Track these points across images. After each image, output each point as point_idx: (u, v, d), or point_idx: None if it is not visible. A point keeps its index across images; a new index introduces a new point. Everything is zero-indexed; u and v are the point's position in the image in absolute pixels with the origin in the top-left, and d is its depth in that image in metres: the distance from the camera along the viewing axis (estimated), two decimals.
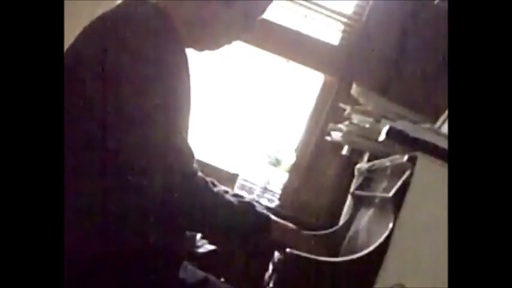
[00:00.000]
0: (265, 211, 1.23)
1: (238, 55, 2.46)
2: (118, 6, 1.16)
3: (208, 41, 1.27)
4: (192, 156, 1.13)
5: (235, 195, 1.24)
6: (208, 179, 1.17)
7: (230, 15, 1.22)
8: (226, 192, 1.22)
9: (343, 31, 2.38)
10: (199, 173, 1.13)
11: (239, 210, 1.17)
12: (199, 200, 1.12)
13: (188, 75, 1.18)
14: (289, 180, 2.39)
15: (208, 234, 1.29)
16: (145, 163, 1.06)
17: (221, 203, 1.16)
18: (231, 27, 1.25)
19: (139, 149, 1.06)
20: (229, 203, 1.17)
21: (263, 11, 1.29)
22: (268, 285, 1.18)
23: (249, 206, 1.20)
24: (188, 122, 1.18)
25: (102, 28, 1.11)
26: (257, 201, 2.28)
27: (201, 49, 1.28)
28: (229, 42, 1.29)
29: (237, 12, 1.23)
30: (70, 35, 1.15)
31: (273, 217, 1.24)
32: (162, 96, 1.08)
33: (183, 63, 1.16)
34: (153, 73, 1.07)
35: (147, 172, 1.06)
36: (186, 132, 1.18)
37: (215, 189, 1.16)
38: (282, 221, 1.27)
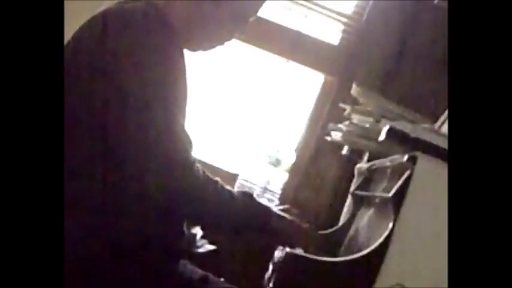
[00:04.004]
0: (266, 204, 1.24)
1: (238, 55, 2.46)
2: (117, 5, 1.17)
3: (200, 40, 1.27)
4: (191, 145, 1.13)
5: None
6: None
7: (219, 15, 1.23)
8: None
9: (343, 31, 2.38)
10: (198, 164, 1.13)
11: (240, 200, 1.18)
12: (199, 188, 1.12)
13: (185, 72, 1.18)
14: (289, 180, 2.39)
15: (207, 223, 1.29)
16: (143, 153, 1.07)
17: (221, 191, 1.16)
18: (221, 27, 1.25)
19: (138, 140, 1.06)
20: (230, 192, 1.17)
21: (255, 11, 1.29)
22: (268, 285, 1.18)
23: (250, 198, 1.21)
24: (185, 116, 1.19)
25: (101, 25, 1.12)
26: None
27: (194, 49, 1.28)
28: (222, 43, 1.29)
29: (225, 12, 1.23)
30: (70, 35, 1.15)
31: (275, 210, 1.24)
32: (160, 89, 1.09)
33: (180, 59, 1.17)
34: (152, 67, 1.08)
35: (146, 162, 1.06)
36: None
37: (215, 179, 1.17)
38: (285, 215, 1.27)
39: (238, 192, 1.20)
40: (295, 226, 1.27)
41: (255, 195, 1.23)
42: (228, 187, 1.19)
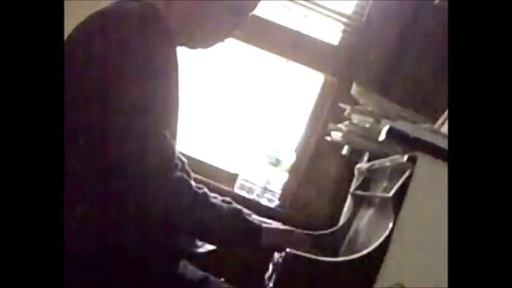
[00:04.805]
0: (255, 220, 1.20)
1: (238, 55, 2.46)
2: (113, 4, 1.16)
3: (200, 38, 1.27)
4: (173, 153, 1.10)
5: (226, 201, 1.23)
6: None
7: (217, 11, 1.22)
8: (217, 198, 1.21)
9: (343, 31, 2.38)
10: (179, 173, 1.10)
11: (227, 215, 1.15)
12: (181, 199, 1.09)
13: (177, 74, 1.18)
14: (289, 180, 2.39)
15: (191, 235, 1.26)
16: (132, 155, 1.05)
17: (208, 204, 1.13)
18: (220, 24, 1.25)
19: (126, 142, 1.05)
20: (216, 205, 1.14)
21: (253, 7, 1.28)
22: (268, 285, 1.18)
23: (238, 213, 1.17)
24: (176, 120, 1.18)
25: (96, 25, 1.11)
26: (257, 202, 2.29)
27: (193, 47, 1.28)
28: (222, 40, 1.28)
29: (224, 8, 1.22)
30: None
31: (263, 225, 1.21)
32: (149, 93, 1.07)
33: (173, 61, 1.16)
34: (142, 70, 1.07)
35: (137, 164, 1.05)
36: (175, 129, 1.17)
37: (201, 191, 1.14)
38: (274, 227, 1.25)
39: (230, 208, 1.17)
40: (285, 235, 1.24)
41: (243, 212, 1.19)
42: (215, 201, 1.16)
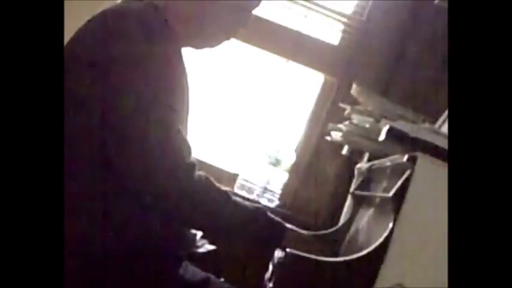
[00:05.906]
0: (279, 219, 1.22)
1: (238, 55, 2.46)
2: (116, 5, 1.16)
3: (205, 37, 1.27)
4: (189, 151, 1.11)
5: (247, 199, 1.23)
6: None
7: (220, 9, 1.22)
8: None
9: (343, 31, 2.38)
10: (199, 171, 1.11)
11: (249, 213, 1.16)
12: (201, 196, 1.10)
13: (183, 74, 1.17)
14: (289, 180, 2.39)
15: (210, 233, 1.27)
16: (141, 156, 1.05)
17: (227, 201, 1.14)
18: (226, 22, 1.25)
19: (135, 144, 1.05)
20: (238, 203, 1.15)
21: (256, 5, 1.28)
22: (268, 285, 1.18)
23: (261, 212, 1.19)
24: (185, 119, 1.18)
25: (99, 25, 1.12)
26: (256, 201, 2.29)
27: (199, 47, 1.28)
28: (227, 38, 1.28)
29: (227, 7, 1.22)
30: (70, 35, 1.15)
31: (287, 225, 1.23)
32: (156, 94, 1.07)
33: (178, 62, 1.16)
34: (147, 70, 1.07)
35: (145, 165, 1.05)
36: (185, 129, 1.17)
37: (222, 188, 1.14)
38: (295, 228, 1.26)
39: (252, 206, 1.18)
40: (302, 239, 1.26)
41: (268, 213, 1.20)
42: (241, 200, 1.16)
